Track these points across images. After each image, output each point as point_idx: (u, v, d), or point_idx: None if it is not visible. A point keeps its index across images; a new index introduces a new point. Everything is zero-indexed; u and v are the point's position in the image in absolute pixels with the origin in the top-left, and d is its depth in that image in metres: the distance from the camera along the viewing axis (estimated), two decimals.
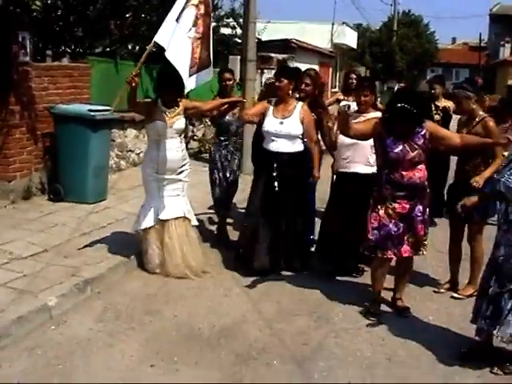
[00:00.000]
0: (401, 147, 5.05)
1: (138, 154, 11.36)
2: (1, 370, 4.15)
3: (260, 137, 6.51)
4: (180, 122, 6.10)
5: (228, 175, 7.19)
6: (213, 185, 7.25)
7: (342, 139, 5.87)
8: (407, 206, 5.12)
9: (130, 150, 11.51)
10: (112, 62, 10.79)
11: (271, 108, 6.35)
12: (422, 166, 5.15)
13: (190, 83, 5.94)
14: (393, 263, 5.51)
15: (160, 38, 5.70)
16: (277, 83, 6.33)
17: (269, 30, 22.00)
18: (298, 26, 28.55)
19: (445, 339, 4.91)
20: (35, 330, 4.74)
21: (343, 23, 30.83)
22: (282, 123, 6.20)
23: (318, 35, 28.67)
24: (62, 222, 7.34)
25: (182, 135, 6.25)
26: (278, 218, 6.23)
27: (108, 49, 12.37)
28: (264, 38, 20.10)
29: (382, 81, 43.76)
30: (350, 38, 32.30)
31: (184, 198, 6.27)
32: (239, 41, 15.84)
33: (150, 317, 5.14)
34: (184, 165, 6.21)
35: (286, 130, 6.19)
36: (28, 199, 8.32)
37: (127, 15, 12.53)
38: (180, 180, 6.18)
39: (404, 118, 4.98)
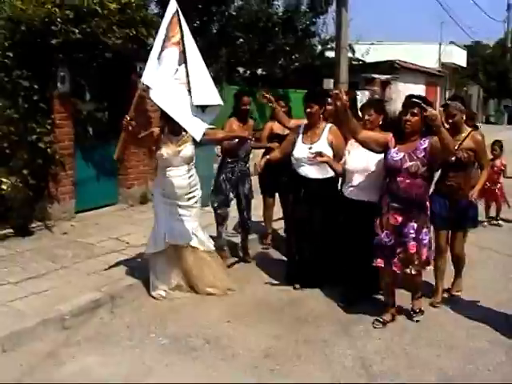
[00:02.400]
0: (401, 156, 5.11)
1: None
2: (114, 320, 5.54)
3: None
4: (187, 150, 6.01)
5: (232, 197, 7.07)
6: (218, 207, 7.06)
7: (352, 165, 5.78)
8: (400, 219, 5.16)
9: None
10: (218, 87, 12.17)
11: (300, 134, 6.29)
12: (421, 182, 5.14)
13: (197, 127, 5.46)
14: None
15: (146, 78, 5.53)
16: (308, 109, 6.20)
17: (377, 52, 22.84)
18: (406, 47, 29.18)
19: (470, 314, 5.76)
20: (141, 295, 6.10)
21: (450, 42, 31.18)
22: (310, 148, 6.05)
23: (425, 55, 29.19)
24: None
25: (192, 162, 6.13)
26: (309, 238, 6.28)
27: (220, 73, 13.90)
28: (371, 59, 21.01)
29: (498, 99, 43.28)
30: (459, 57, 32.47)
31: (194, 223, 6.15)
32: None
33: (233, 291, 6.34)
34: (193, 191, 6.14)
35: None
36: (144, 203, 9.85)
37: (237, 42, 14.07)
38: (189, 206, 6.11)
39: (411, 106, 5.10)
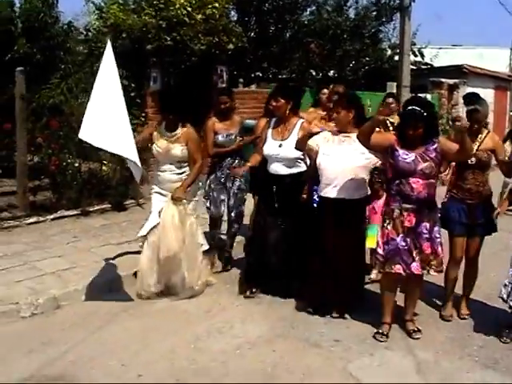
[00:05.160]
0: (413, 157, 5.01)
1: None
2: None
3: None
4: (176, 150, 5.92)
5: (223, 198, 6.90)
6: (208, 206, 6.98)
7: (328, 164, 5.51)
8: (413, 220, 5.05)
9: None
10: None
11: (270, 129, 6.09)
12: (432, 182, 5.10)
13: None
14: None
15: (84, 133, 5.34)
16: (274, 103, 6.04)
17: (447, 55, 23.56)
18: (477, 52, 29.63)
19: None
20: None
21: None
22: (280, 146, 5.92)
23: (496, 60, 29.52)
24: None
25: (183, 162, 6.02)
26: (279, 238, 6.01)
27: (293, 75, 15.18)
28: (441, 63, 21.75)
29: None
30: None
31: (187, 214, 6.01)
32: (413, 67, 17.55)
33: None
34: None
35: (285, 152, 5.89)
36: None
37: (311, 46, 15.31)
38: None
39: (415, 120, 4.97)
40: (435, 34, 46.29)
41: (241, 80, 13.77)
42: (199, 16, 9.73)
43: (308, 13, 15.11)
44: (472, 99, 5.62)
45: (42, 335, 5.16)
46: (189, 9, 9.58)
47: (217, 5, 9.85)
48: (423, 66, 20.49)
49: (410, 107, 5.04)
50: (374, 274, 6.44)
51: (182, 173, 6.00)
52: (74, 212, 8.80)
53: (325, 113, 6.67)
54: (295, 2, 14.19)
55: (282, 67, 15.07)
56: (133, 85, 9.35)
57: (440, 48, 22.60)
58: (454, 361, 4.83)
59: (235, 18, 14.05)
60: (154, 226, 5.99)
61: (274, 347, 5.01)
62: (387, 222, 5.14)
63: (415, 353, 4.94)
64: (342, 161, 5.45)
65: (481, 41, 64.68)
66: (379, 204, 6.14)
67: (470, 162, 5.45)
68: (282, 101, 5.93)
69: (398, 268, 5.08)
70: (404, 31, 13.36)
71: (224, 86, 11.21)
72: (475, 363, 4.79)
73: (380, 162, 5.53)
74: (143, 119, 9.49)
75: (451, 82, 22.49)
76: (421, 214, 5.06)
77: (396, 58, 18.90)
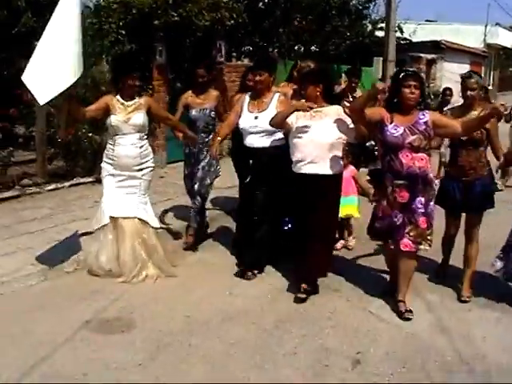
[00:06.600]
0: (401, 131, 4.97)
1: None
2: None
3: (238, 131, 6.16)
4: (138, 117, 5.74)
5: (195, 171, 6.87)
6: (184, 179, 7.11)
7: (298, 139, 5.48)
8: (407, 195, 5.04)
9: None
10: (280, 62, 13.94)
11: (246, 102, 6.01)
12: (423, 156, 5.02)
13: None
14: None
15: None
16: (257, 77, 5.89)
17: (424, 31, 24.22)
18: (452, 28, 30.42)
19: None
20: (220, 219, 7.98)
21: (496, 24, 32.25)
22: (256, 118, 5.86)
23: (471, 36, 30.34)
24: None
25: (144, 132, 5.88)
26: (254, 213, 6.03)
27: (279, 49, 15.70)
28: (418, 38, 22.43)
29: None
30: (505, 38, 33.44)
31: (141, 197, 5.95)
32: None
33: None
34: (143, 162, 5.87)
35: (261, 124, 5.81)
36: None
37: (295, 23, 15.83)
38: (138, 178, 5.86)
39: (412, 78, 4.97)
40: (412, 9, 46.98)
41: (233, 54, 14.29)
42: None
43: None
44: (468, 71, 5.89)
45: (89, 287, 5.74)
46: None
47: None
48: (402, 42, 21.10)
49: (402, 73, 5.10)
50: (351, 242, 7.11)
51: (142, 146, 5.83)
52: (89, 179, 9.34)
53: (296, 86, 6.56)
54: None
55: (272, 42, 15.58)
56: (142, 58, 9.82)
57: (419, 24, 23.26)
58: (456, 302, 5.59)
59: None
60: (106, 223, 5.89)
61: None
62: (382, 197, 5.23)
63: (423, 295, 5.68)
64: (313, 136, 5.41)
65: (456, 17, 65.43)
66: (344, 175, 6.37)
67: (462, 138, 5.45)
68: (266, 74, 5.88)
69: (390, 244, 5.27)
70: (390, 8, 13.99)
71: (222, 59, 11.79)
72: (474, 304, 5.55)
73: (351, 138, 5.61)
74: (150, 91, 10.00)
75: (429, 56, 23.27)
76: (414, 190, 5.04)
77: (377, 33, 19.58)
